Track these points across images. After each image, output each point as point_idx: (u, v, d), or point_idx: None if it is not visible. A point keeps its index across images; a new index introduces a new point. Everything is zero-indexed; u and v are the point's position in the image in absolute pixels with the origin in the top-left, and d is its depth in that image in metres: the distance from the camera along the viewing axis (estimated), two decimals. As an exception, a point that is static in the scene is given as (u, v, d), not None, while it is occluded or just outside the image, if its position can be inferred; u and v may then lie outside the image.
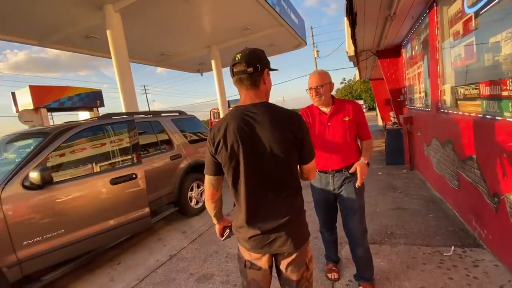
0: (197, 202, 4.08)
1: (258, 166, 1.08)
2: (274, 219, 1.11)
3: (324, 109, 1.87)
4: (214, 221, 1.34)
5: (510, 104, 1.84)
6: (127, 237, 3.14)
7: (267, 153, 1.07)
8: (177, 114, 4.43)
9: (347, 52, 6.40)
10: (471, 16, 2.34)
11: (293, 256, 1.14)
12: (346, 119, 1.82)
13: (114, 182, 2.78)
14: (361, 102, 30.88)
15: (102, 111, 7.23)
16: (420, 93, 4.44)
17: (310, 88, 1.81)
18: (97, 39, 7.59)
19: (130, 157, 3.06)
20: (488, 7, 2.04)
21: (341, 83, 45.33)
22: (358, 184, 1.78)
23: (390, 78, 5.78)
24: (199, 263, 2.66)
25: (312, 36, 35.22)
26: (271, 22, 8.49)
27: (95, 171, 2.77)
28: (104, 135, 3.01)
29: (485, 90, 2.17)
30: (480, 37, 2.26)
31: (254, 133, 1.07)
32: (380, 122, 10.49)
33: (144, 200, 3.02)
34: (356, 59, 6.43)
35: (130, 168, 2.96)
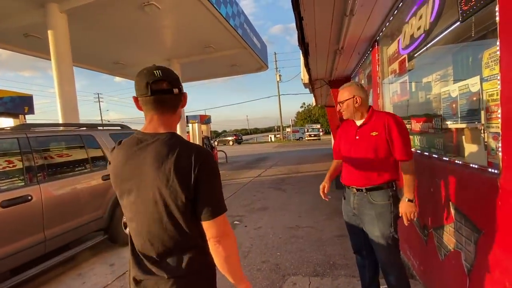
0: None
1: (141, 212, 0.91)
2: (159, 280, 0.91)
3: (357, 121, 1.84)
4: None
5: (435, 141, 1.96)
6: (39, 272, 2.59)
7: (149, 198, 0.88)
8: (119, 128, 4.01)
9: (302, 79, 6.69)
10: (405, 57, 2.55)
11: None
12: (374, 134, 1.70)
13: (5, 204, 2.32)
14: (318, 126, 32.81)
15: (31, 118, 6.34)
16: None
17: (338, 102, 1.87)
18: (38, 39, 6.83)
19: (26, 176, 2.59)
20: (419, 51, 2.22)
21: (301, 107, 48.07)
22: (405, 223, 1.74)
23: (341, 106, 6.12)
24: (121, 305, 2.27)
25: (275, 61, 37.12)
26: (233, 43, 8.60)
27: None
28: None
29: (416, 126, 2.32)
30: (412, 76, 2.46)
31: (140, 171, 0.89)
32: (334, 147, 11.03)
33: (40, 226, 2.58)
34: (311, 86, 6.75)
35: (25, 189, 2.51)
